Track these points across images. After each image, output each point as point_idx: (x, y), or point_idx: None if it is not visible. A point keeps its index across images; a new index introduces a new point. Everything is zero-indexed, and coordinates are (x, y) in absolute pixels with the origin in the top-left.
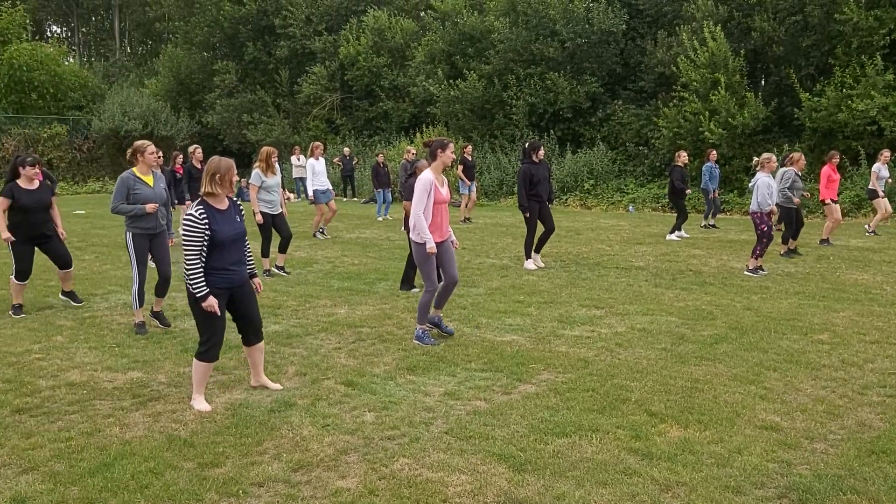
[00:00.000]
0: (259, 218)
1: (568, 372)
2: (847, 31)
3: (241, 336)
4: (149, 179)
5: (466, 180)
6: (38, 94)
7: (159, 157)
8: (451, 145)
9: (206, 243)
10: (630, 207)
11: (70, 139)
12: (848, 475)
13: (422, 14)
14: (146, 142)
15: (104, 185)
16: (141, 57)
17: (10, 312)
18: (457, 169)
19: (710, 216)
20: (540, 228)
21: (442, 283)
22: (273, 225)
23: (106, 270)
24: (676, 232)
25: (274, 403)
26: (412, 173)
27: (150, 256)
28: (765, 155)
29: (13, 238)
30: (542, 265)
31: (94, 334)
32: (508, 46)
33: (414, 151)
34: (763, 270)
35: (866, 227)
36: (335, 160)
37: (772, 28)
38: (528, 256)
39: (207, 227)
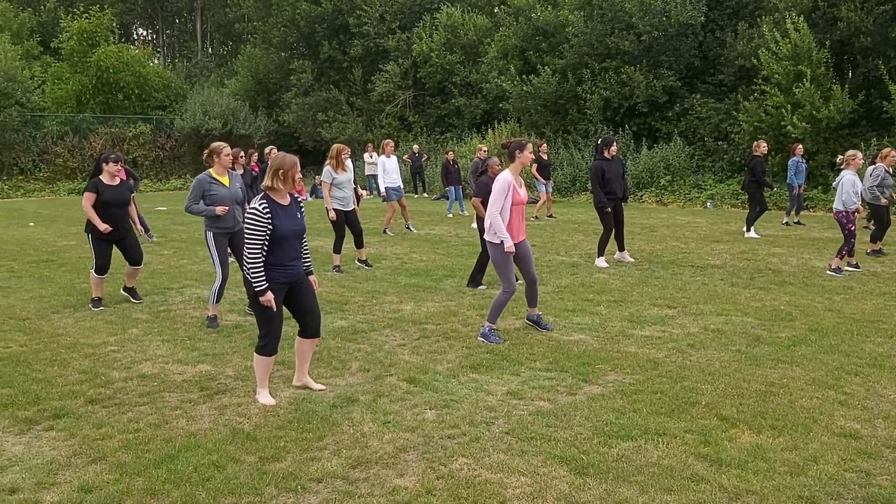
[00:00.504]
0: (332, 215)
1: (636, 373)
2: None
3: (299, 328)
4: (225, 180)
5: (542, 179)
6: (124, 95)
7: (241, 158)
8: (530, 146)
9: (267, 238)
10: (708, 204)
11: (153, 138)
12: None
13: (495, 10)
14: (222, 144)
15: (185, 183)
16: (222, 58)
17: (90, 305)
18: (531, 168)
19: (794, 212)
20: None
21: (526, 283)
22: (346, 221)
23: (183, 265)
24: (751, 231)
25: (336, 399)
26: (483, 171)
27: (230, 253)
28: (850, 152)
29: (110, 229)
30: (632, 260)
31: (167, 327)
32: (583, 40)
33: (485, 149)
34: (848, 270)
35: None
36: (405, 157)
37: (859, 18)
38: (601, 254)
39: (270, 221)
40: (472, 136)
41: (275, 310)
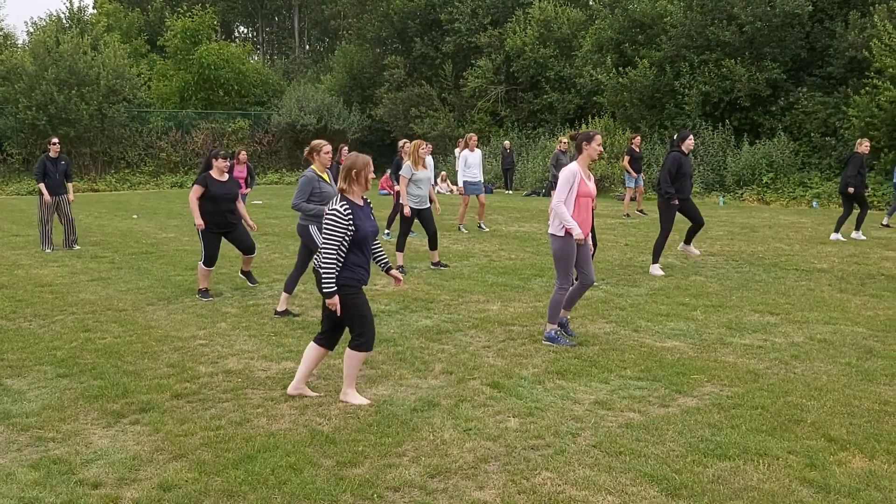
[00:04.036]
0: (407, 210)
1: (734, 385)
2: None
3: (322, 334)
4: (326, 177)
5: (633, 172)
6: (224, 91)
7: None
8: (598, 137)
9: (346, 240)
10: (814, 203)
11: (252, 133)
12: None
13: (590, 2)
14: (323, 141)
15: (282, 177)
16: (318, 54)
17: (198, 296)
18: (623, 160)
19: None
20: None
21: (577, 283)
22: (419, 220)
23: (273, 259)
24: (854, 231)
25: (418, 402)
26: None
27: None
28: None
29: (204, 226)
30: (698, 252)
31: (255, 322)
32: (681, 32)
33: (566, 141)
34: None
35: None
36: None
37: None
38: (656, 261)
39: (352, 222)
40: (566, 131)
41: (339, 314)
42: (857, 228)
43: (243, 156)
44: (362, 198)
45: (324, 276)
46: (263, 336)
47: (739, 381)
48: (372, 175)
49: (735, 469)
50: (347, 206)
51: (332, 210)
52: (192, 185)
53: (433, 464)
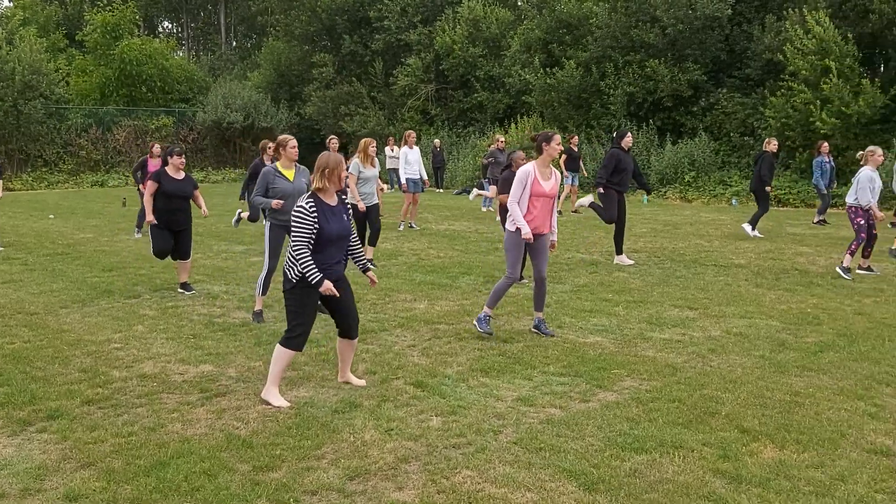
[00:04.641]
0: (362, 206)
1: (653, 379)
2: None
3: (338, 330)
4: (289, 174)
5: (566, 172)
6: (147, 87)
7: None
8: (557, 137)
9: (313, 237)
10: (733, 201)
11: (176, 130)
12: None
13: (518, 3)
14: (289, 137)
15: (207, 175)
16: (245, 50)
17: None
18: (560, 159)
19: (823, 212)
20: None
21: (533, 284)
22: (365, 217)
23: (196, 259)
24: (753, 230)
25: (339, 403)
26: (507, 165)
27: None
28: (869, 148)
29: (156, 221)
30: (632, 262)
31: (173, 325)
32: (607, 33)
33: (503, 140)
34: (859, 272)
35: None
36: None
37: (892, 10)
38: (619, 252)
39: (316, 221)
40: (495, 131)
41: (337, 295)
42: (753, 227)
43: (157, 149)
44: (337, 196)
45: (304, 270)
46: (182, 339)
47: (658, 374)
48: (345, 173)
49: (651, 462)
50: (313, 204)
51: (298, 207)
52: (146, 181)
53: (352, 466)
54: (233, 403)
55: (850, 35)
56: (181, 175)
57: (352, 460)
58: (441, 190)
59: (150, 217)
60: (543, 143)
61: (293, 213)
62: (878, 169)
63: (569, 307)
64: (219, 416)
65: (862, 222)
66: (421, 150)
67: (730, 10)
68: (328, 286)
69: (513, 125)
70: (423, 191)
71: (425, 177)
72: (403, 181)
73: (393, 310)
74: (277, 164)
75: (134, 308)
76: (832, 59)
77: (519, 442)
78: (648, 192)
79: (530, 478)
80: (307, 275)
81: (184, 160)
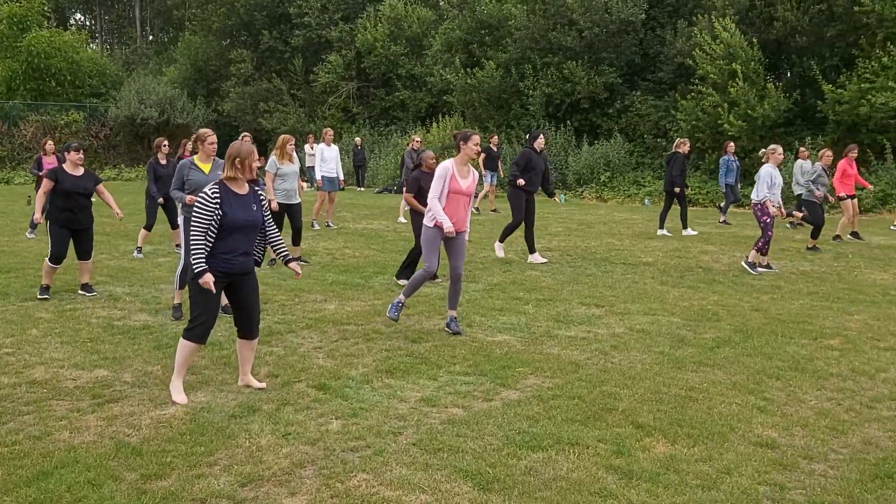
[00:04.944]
0: (275, 205)
1: (556, 377)
2: (872, 22)
3: (237, 330)
4: (206, 167)
5: (484, 170)
6: (57, 82)
7: (164, 146)
8: (476, 137)
9: (215, 224)
10: (646, 201)
11: (87, 126)
12: (847, 503)
13: (440, 2)
14: (208, 131)
15: (120, 173)
16: (161, 45)
17: (38, 294)
18: (479, 158)
19: (726, 211)
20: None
21: (448, 279)
22: (287, 215)
23: (101, 260)
24: (684, 230)
25: (237, 408)
26: (417, 165)
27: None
28: (771, 146)
29: (42, 220)
30: (503, 255)
31: (70, 328)
32: (525, 35)
33: (419, 140)
34: (760, 270)
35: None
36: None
37: (795, 17)
38: (502, 241)
39: (218, 207)
40: (417, 129)
41: (213, 291)
42: (685, 226)
43: (50, 146)
44: (250, 187)
45: (193, 256)
46: (78, 342)
47: (561, 372)
48: (257, 163)
49: (547, 459)
50: (216, 191)
51: (201, 193)
52: (42, 178)
53: (245, 472)
54: (126, 410)
55: (755, 41)
56: (80, 171)
57: (245, 466)
58: (362, 189)
59: (37, 216)
60: (461, 143)
61: (196, 199)
62: (780, 168)
63: (480, 306)
64: (110, 423)
65: (768, 220)
66: (342, 149)
67: (643, 15)
68: (208, 280)
69: (434, 124)
70: (343, 188)
71: (342, 176)
72: (318, 178)
73: (302, 311)
74: (195, 157)
75: (30, 311)
76: (738, 64)
77: (418, 443)
78: (551, 196)
79: (426, 479)
80: (192, 262)
81: (82, 156)
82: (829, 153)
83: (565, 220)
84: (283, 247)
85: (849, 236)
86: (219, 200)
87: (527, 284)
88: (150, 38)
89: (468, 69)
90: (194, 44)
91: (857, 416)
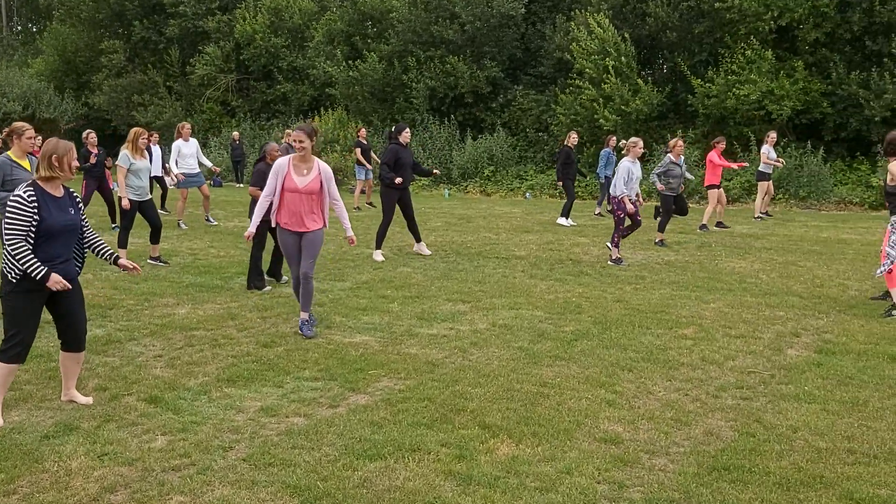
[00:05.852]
0: (126, 203)
1: (409, 378)
2: (735, 18)
3: (61, 342)
4: (26, 164)
5: (367, 164)
6: None
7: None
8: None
9: (32, 230)
10: (527, 194)
11: None
12: (682, 499)
13: None
14: (25, 125)
15: None
16: (29, 35)
17: None
18: (356, 152)
19: (601, 203)
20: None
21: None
22: (141, 213)
23: None
24: (566, 219)
25: (53, 427)
26: (261, 158)
27: None
28: (632, 139)
29: None
30: (429, 252)
31: None
32: (408, 27)
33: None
34: (622, 262)
35: (761, 214)
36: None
37: (666, 14)
38: (379, 247)
39: (36, 212)
40: (299, 123)
41: (70, 288)
42: (564, 216)
43: None
44: (64, 188)
45: (24, 265)
46: None
47: (416, 372)
48: (76, 163)
49: (385, 469)
50: (32, 193)
51: (14, 196)
52: None
53: (47, 500)
54: None
55: (628, 36)
56: None
57: (48, 494)
58: (241, 185)
59: None
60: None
61: (9, 202)
62: (637, 161)
63: (343, 305)
64: None
65: (622, 215)
66: (220, 144)
67: (524, 10)
68: (57, 279)
69: (317, 118)
70: (219, 185)
71: (210, 165)
72: (174, 177)
73: (149, 316)
74: (9, 153)
75: None
76: (612, 60)
77: (249, 458)
78: (427, 176)
79: (250, 498)
80: (29, 270)
81: None
82: (681, 143)
83: (445, 215)
84: (105, 246)
85: (715, 227)
86: (36, 204)
87: (396, 282)
88: (19, 28)
89: (351, 62)
90: (62, 34)
91: (703, 406)
